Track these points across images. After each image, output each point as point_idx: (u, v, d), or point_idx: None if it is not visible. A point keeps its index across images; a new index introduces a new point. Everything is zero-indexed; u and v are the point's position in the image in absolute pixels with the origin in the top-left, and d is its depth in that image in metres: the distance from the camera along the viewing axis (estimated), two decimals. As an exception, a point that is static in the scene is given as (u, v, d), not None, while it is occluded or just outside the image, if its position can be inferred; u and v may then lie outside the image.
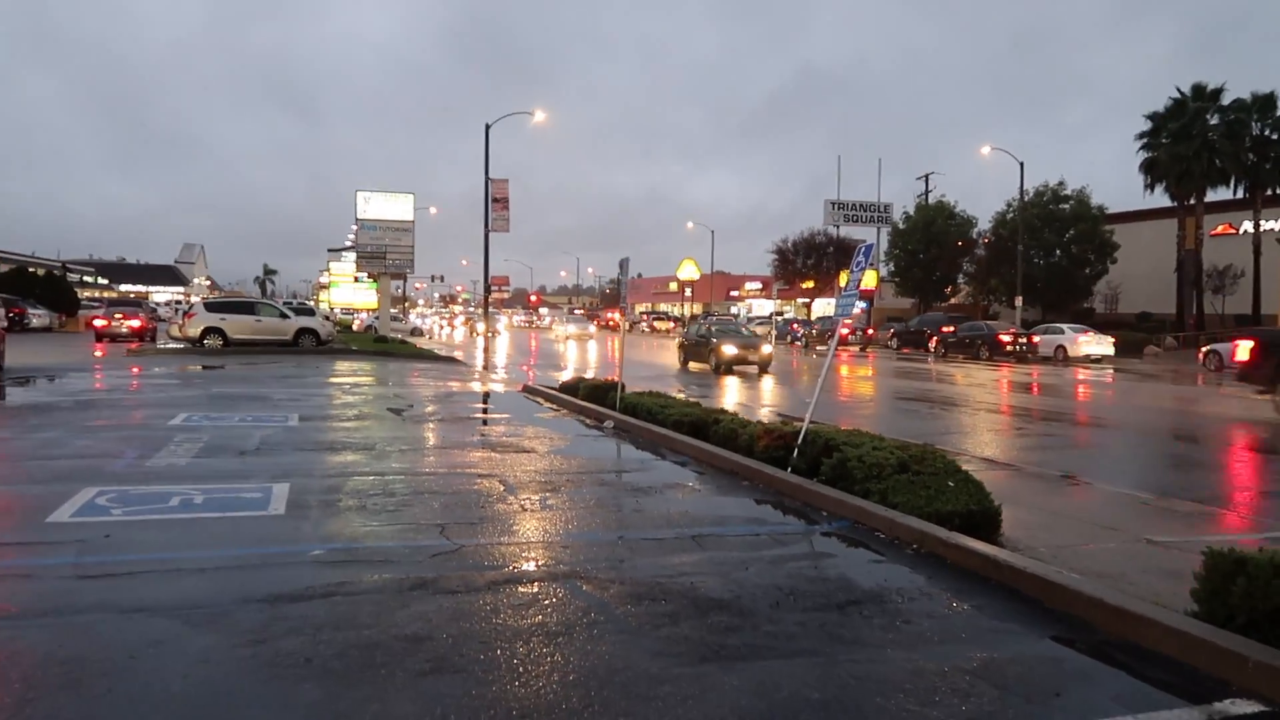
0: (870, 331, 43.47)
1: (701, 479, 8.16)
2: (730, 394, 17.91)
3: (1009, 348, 33.11)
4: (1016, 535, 6.19)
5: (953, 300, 53.16)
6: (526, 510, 6.73)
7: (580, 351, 36.34)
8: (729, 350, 25.20)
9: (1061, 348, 33.54)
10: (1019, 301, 41.51)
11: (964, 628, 4.56)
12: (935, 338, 38.73)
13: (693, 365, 27.52)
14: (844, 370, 26.56)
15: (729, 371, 24.89)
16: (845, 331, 41.54)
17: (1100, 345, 33.36)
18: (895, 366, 29.60)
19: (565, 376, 19.98)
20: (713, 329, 27.93)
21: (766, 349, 25.93)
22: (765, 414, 14.04)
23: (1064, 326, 35.29)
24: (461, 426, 11.53)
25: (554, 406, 14.21)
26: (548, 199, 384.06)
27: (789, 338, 49.99)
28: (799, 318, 61.77)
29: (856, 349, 40.79)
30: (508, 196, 30.01)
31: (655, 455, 9.48)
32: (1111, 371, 28.01)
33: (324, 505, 6.70)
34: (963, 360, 33.37)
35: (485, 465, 8.62)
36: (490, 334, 53.96)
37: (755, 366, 25.17)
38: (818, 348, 41.90)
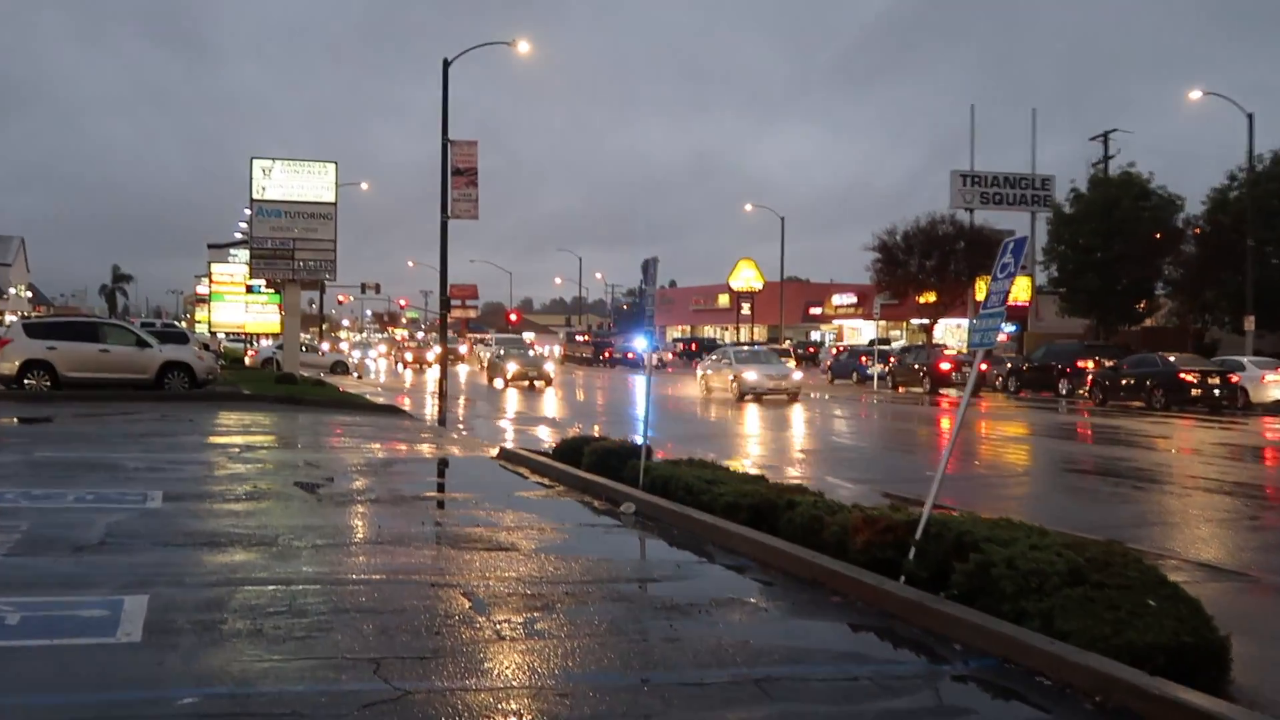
0: (983, 367, 44.09)
1: (768, 592, 8.15)
2: (811, 460, 17.85)
3: (1196, 392, 33.42)
4: (1254, 683, 6.08)
5: (1148, 322, 52.88)
6: (504, 638, 6.72)
7: (578, 397, 36.46)
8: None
9: (1241, 390, 34.04)
10: (1250, 323, 41.24)
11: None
12: (1065, 377, 40.18)
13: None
14: (947, 423, 26.59)
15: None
16: (983, 365, 42.22)
17: None
18: (1035, 419, 29.79)
19: (561, 433, 20.02)
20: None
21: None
22: (857, 493, 13.97)
23: (1245, 360, 35.48)
24: (407, 510, 11.58)
25: (544, 480, 14.26)
26: (538, 173, 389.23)
27: (854, 373, 50.74)
28: (912, 345, 61.72)
29: (956, 392, 41.42)
30: (476, 168, 30.41)
31: (698, 555, 9.48)
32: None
33: (200, 629, 6.73)
34: (1127, 409, 33.98)
35: (442, 569, 8.64)
36: (419, 366, 56.78)
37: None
38: (899, 389, 44.65)
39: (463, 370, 61.01)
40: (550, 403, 34.09)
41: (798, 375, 35.64)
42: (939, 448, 21.06)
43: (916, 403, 38.49)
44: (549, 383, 41.92)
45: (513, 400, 35.28)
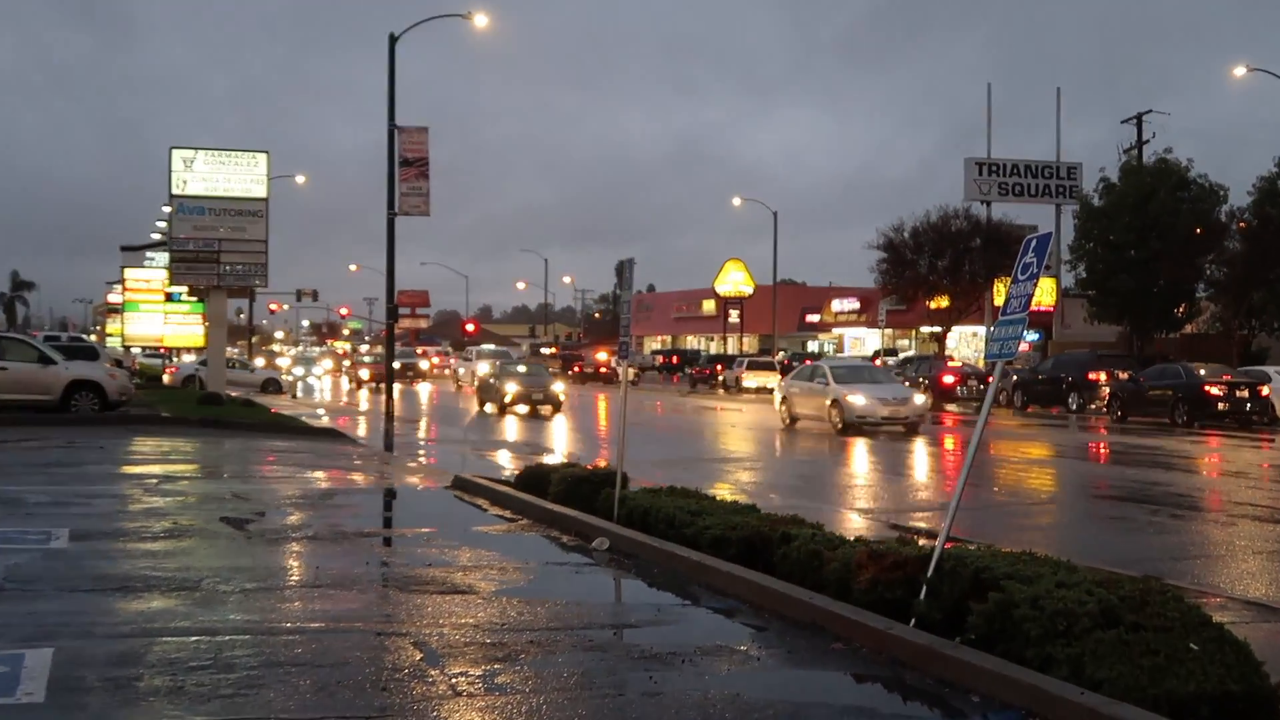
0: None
1: (761, 638, 8.15)
2: (806, 487, 17.88)
3: (1223, 405, 33.85)
4: (1310, 735, 6.10)
5: (1188, 328, 53.25)
6: (461, 694, 6.69)
7: (542, 417, 36.44)
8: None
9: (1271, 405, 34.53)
10: (1302, 329, 41.62)
11: None
12: (1075, 390, 40.92)
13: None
14: (952, 443, 26.73)
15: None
16: (1007, 377, 43.35)
17: None
18: (1052, 438, 30.04)
19: (524, 460, 19.94)
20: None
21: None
22: (861, 524, 14.01)
23: (1271, 371, 36.20)
24: (349, 549, 11.54)
25: (506, 513, 14.26)
26: (501, 164, 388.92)
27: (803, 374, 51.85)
28: (913, 356, 61.97)
29: (958, 408, 41.68)
30: (427, 157, 30.40)
31: (681, 597, 9.48)
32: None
33: (113, 686, 6.67)
34: (1149, 425, 34.46)
35: (390, 616, 8.60)
36: (377, 385, 55.68)
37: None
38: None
39: (423, 390, 60.75)
40: (511, 425, 34.07)
41: (919, 399, 30.95)
42: (947, 472, 21.16)
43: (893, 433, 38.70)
44: (558, 408, 38.28)
45: (471, 423, 35.23)
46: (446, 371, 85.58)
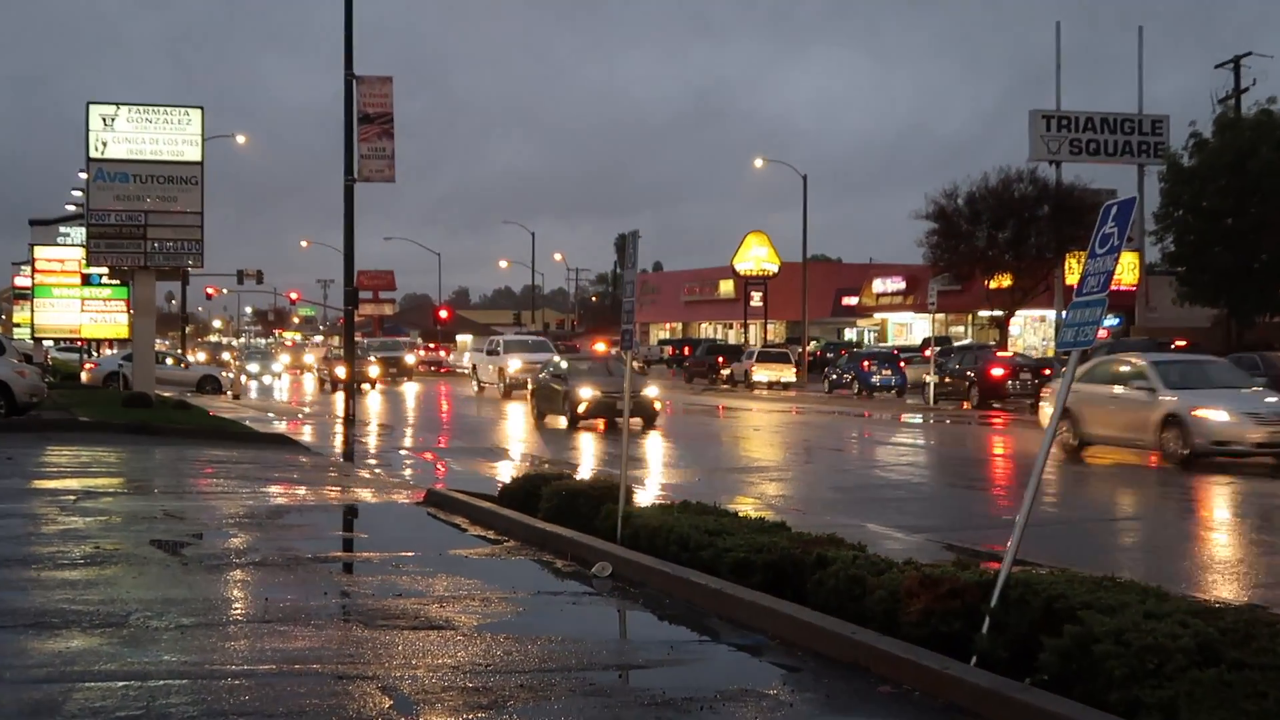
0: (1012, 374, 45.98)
1: (794, 680, 8.14)
2: (842, 501, 17.86)
3: None
4: None
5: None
6: (438, 749, 6.67)
7: (530, 420, 36.43)
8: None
9: None
10: None
11: None
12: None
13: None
14: (1002, 448, 26.66)
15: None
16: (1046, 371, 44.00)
17: None
18: None
19: (509, 470, 19.85)
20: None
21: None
22: (909, 544, 13.97)
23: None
24: (303, 577, 11.53)
25: (489, 533, 14.28)
26: (483, 120, 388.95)
27: (855, 382, 50.91)
28: (976, 343, 61.83)
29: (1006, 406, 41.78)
30: (391, 113, 30.43)
31: (698, 632, 9.49)
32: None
33: (25, 742, 6.66)
34: None
35: (353, 656, 8.60)
36: (327, 385, 54.51)
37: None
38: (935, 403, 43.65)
39: (417, 391, 60.02)
40: (492, 429, 34.08)
41: None
42: (999, 482, 21.14)
43: (962, 421, 38.77)
44: (651, 421, 33.09)
45: (448, 427, 35.25)
46: (439, 369, 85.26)
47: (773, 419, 38.44)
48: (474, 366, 59.08)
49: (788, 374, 61.84)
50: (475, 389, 56.49)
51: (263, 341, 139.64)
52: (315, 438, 30.58)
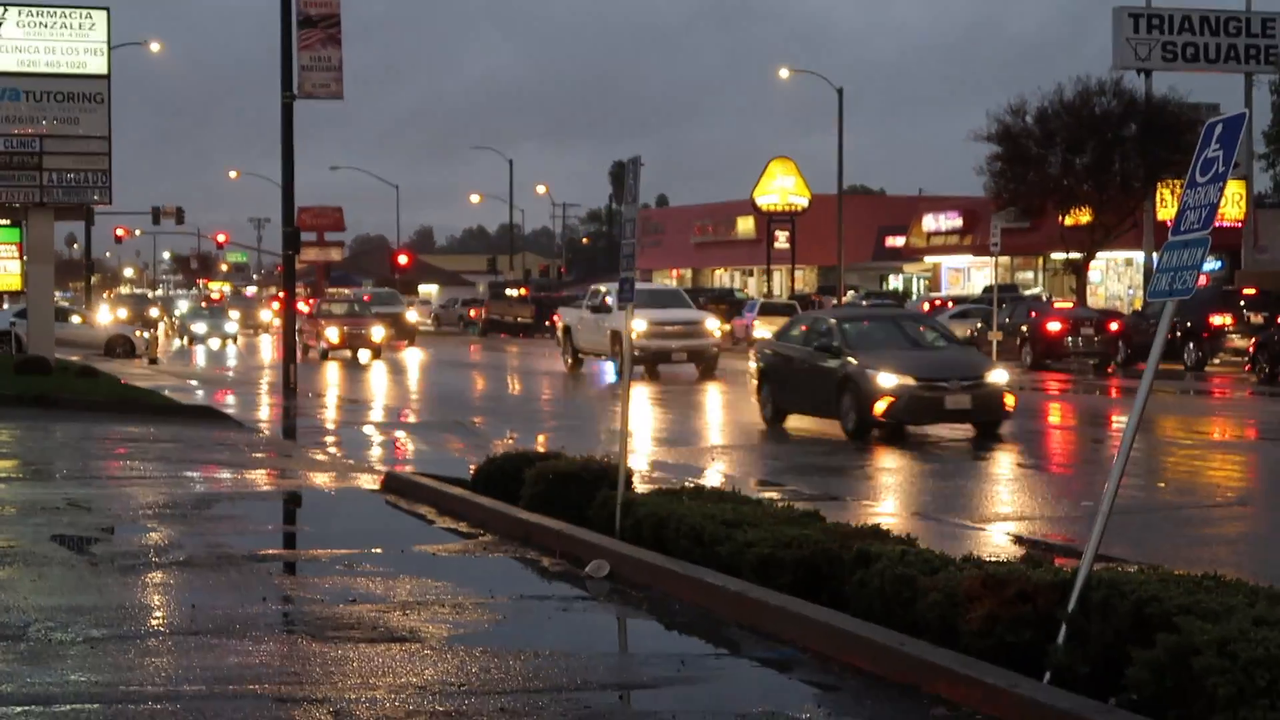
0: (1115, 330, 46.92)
1: (831, 702, 8.16)
2: (879, 487, 17.85)
3: None
4: None
5: None
6: (402, 786, 6.70)
7: (512, 389, 36.39)
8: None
9: None
10: None
11: None
12: (1193, 339, 42.34)
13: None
14: (1058, 416, 26.71)
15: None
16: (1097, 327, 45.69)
17: None
18: (1204, 408, 31.30)
19: (484, 449, 19.70)
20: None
21: None
22: (968, 537, 13.98)
23: None
24: (237, 579, 11.55)
25: (461, 525, 14.28)
26: (452, 22, 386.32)
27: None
28: (1038, 295, 61.40)
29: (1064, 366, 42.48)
30: (338, 15, 30.33)
31: (715, 644, 9.50)
32: None
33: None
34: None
35: (298, 675, 8.61)
36: (311, 352, 51.16)
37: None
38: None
39: (411, 357, 57.61)
40: (464, 397, 34.06)
41: None
42: (1073, 461, 21.15)
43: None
44: (997, 422, 24.00)
45: (402, 393, 35.26)
46: (451, 326, 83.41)
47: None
48: (565, 329, 48.06)
49: None
50: (567, 362, 46.87)
51: (185, 292, 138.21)
52: (244, 409, 30.51)
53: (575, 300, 52.12)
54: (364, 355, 54.08)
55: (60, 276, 52.55)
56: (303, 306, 55.13)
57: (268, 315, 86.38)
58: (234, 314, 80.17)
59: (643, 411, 28.32)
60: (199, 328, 72.86)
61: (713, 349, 40.19)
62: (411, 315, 70.23)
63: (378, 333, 55.05)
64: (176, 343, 72.79)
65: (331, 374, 46.22)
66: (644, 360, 40.58)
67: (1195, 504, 17.14)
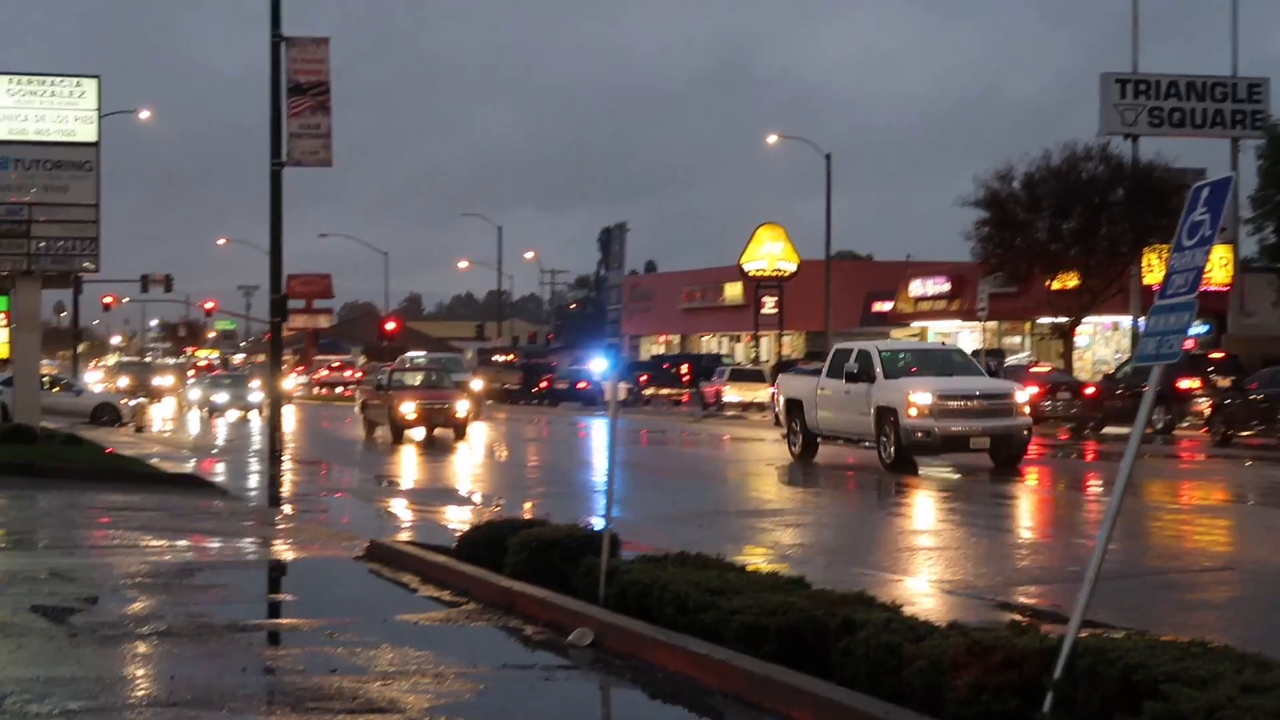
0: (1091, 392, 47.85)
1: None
2: (866, 552, 17.83)
3: None
4: None
5: None
6: None
7: (498, 456, 36.38)
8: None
9: None
10: None
11: None
12: (1162, 402, 42.07)
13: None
14: (1028, 481, 26.85)
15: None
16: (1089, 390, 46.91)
17: None
18: (1211, 472, 30.44)
19: (471, 516, 19.62)
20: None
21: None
22: (953, 603, 13.96)
23: None
24: (218, 650, 11.48)
25: (444, 594, 14.23)
26: (443, 92, 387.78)
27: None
28: (1032, 361, 61.67)
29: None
30: (328, 83, 30.47)
31: (699, 713, 9.50)
32: None
33: None
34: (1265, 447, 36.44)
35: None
36: (428, 433, 41.23)
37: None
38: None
39: (477, 434, 46.58)
40: (449, 465, 34.03)
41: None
42: (1047, 525, 21.11)
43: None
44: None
45: (387, 463, 35.21)
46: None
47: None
48: (787, 404, 36.57)
49: (762, 393, 62.21)
50: (794, 447, 35.43)
51: (170, 361, 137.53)
52: (230, 479, 30.44)
53: (549, 369, 49.81)
54: (441, 432, 45.36)
55: (48, 344, 52.42)
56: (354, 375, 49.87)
57: (291, 382, 79.32)
58: (255, 383, 68.91)
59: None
60: (219, 398, 68.06)
61: (1023, 432, 31.04)
62: (476, 384, 61.11)
63: (462, 407, 45.36)
64: (195, 414, 68.08)
65: (408, 457, 38.86)
66: (927, 449, 31.05)
67: (1180, 569, 17.10)
